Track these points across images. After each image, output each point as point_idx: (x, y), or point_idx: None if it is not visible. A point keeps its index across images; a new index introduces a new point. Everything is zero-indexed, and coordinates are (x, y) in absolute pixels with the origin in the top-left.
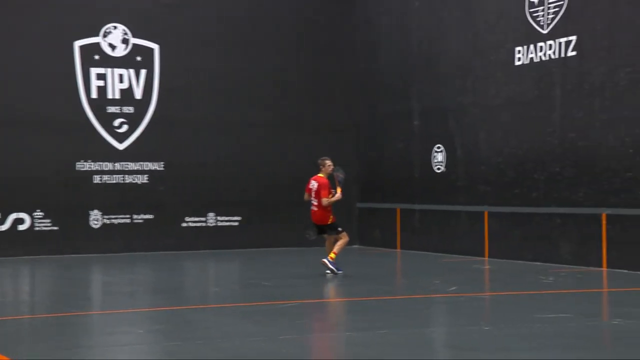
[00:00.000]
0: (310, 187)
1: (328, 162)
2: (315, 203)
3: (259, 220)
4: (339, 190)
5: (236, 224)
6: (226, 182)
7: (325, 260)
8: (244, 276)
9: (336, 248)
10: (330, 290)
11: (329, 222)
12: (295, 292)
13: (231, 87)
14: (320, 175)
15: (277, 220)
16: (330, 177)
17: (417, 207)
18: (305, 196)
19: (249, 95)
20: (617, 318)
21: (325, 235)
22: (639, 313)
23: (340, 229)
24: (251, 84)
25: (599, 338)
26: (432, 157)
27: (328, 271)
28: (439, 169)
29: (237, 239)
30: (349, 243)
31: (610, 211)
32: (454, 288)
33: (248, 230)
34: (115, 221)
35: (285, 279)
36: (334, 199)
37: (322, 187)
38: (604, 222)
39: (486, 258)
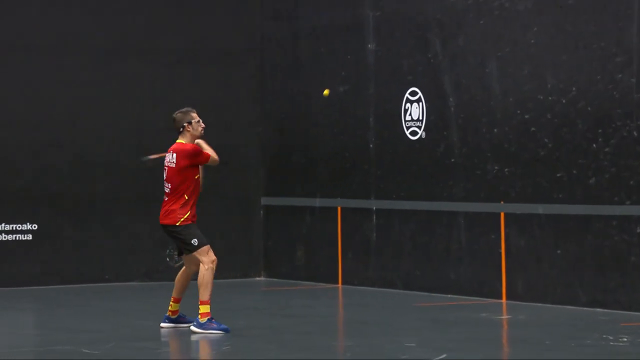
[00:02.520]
0: (167, 162)
1: (195, 116)
2: (167, 190)
3: (67, 231)
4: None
5: (28, 237)
6: (4, 166)
7: (193, 327)
8: (45, 337)
9: (202, 293)
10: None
11: (177, 224)
12: None
13: None
14: (181, 141)
15: (104, 231)
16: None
17: (373, 204)
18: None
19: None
20: None
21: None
22: None
23: (195, 241)
24: None
25: None
26: (401, 110)
27: (197, 331)
28: (414, 133)
29: (29, 267)
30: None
31: None
32: (443, 356)
33: (48, 251)
34: None
35: (124, 341)
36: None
37: (191, 155)
38: None
39: (503, 300)
